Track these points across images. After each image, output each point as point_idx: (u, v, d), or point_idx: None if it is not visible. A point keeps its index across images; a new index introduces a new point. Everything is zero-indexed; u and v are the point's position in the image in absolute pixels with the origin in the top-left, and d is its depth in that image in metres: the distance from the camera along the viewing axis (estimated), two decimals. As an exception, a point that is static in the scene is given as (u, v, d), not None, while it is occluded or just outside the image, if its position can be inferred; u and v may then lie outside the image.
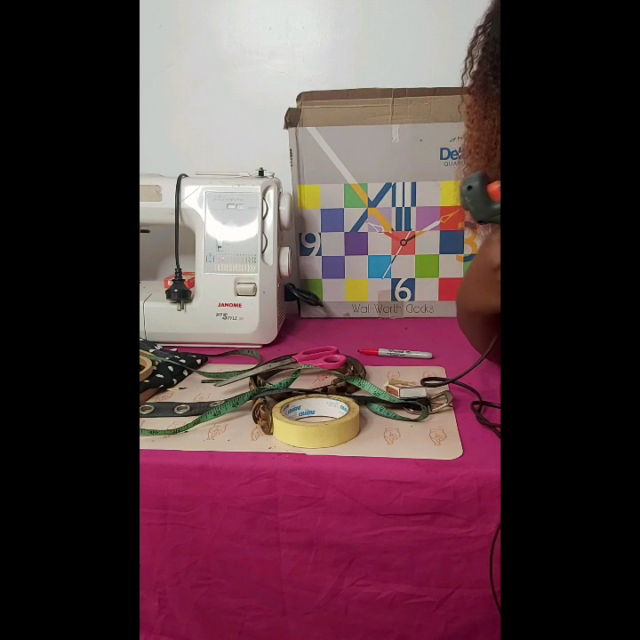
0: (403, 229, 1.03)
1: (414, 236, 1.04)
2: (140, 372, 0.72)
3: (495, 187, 0.61)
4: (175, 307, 0.89)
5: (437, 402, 0.65)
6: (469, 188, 0.62)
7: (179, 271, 0.90)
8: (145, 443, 0.59)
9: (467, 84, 0.79)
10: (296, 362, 0.75)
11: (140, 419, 0.65)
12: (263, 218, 0.88)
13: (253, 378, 0.72)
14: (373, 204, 1.03)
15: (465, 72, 0.80)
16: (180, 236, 0.90)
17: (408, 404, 0.64)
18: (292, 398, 0.65)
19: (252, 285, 0.87)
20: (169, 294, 0.89)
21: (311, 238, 1.06)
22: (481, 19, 0.76)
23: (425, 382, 0.70)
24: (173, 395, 0.73)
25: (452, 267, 1.04)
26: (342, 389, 0.69)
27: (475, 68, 0.78)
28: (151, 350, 0.81)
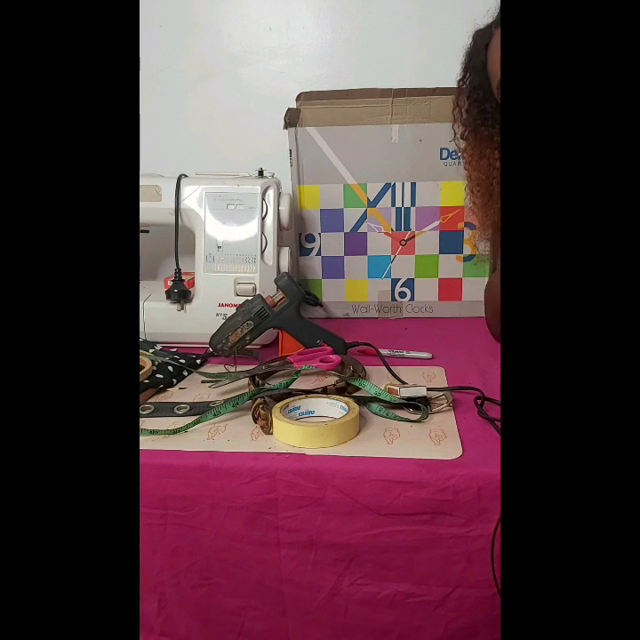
0: (402, 229, 1.03)
1: (414, 236, 1.04)
2: (140, 372, 0.72)
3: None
4: (175, 307, 0.89)
5: (437, 402, 0.65)
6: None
7: (179, 271, 0.90)
8: (145, 443, 0.59)
9: (459, 133, 0.88)
10: (291, 363, 0.75)
11: (140, 419, 0.65)
12: (263, 218, 0.88)
13: (252, 378, 0.72)
14: (373, 204, 1.03)
15: (454, 122, 0.91)
16: (180, 236, 0.90)
17: (408, 404, 0.64)
18: (291, 398, 0.65)
19: (251, 285, 0.87)
20: (169, 294, 0.89)
21: (311, 238, 1.06)
22: (459, 73, 0.86)
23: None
24: (173, 395, 0.73)
25: (452, 267, 1.04)
26: (342, 389, 0.69)
27: (463, 116, 0.89)
28: (151, 350, 0.81)
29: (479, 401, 0.65)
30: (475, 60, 0.82)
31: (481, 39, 0.81)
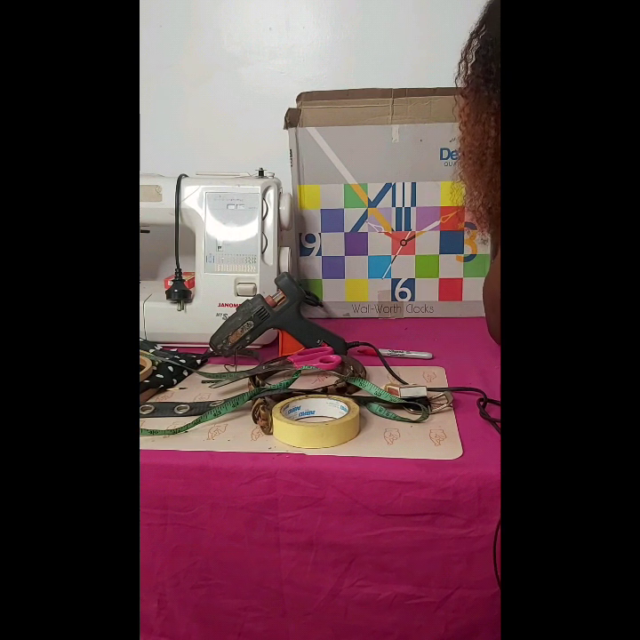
0: (403, 229, 1.03)
1: (414, 236, 1.04)
2: (140, 372, 0.72)
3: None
4: (175, 307, 0.89)
5: (438, 402, 0.65)
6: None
7: (179, 271, 0.90)
8: (145, 443, 0.59)
9: (460, 88, 0.84)
10: (291, 363, 0.75)
11: (140, 419, 0.64)
12: (263, 218, 0.88)
13: (252, 378, 0.72)
14: (373, 204, 1.03)
15: (458, 76, 0.85)
16: (180, 236, 0.90)
17: (408, 404, 0.64)
18: (291, 398, 0.65)
19: (251, 285, 0.87)
20: (169, 294, 0.89)
21: (311, 238, 1.06)
22: (475, 24, 0.81)
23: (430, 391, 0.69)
24: (173, 395, 0.73)
25: (452, 267, 1.04)
26: (342, 390, 0.69)
27: (468, 71, 0.83)
28: (151, 350, 0.81)
29: (481, 402, 0.65)
30: (495, 12, 0.78)
31: None
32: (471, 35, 0.82)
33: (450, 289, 1.05)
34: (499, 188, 0.84)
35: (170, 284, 0.90)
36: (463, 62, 0.84)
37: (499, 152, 0.82)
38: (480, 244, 1.02)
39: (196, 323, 0.88)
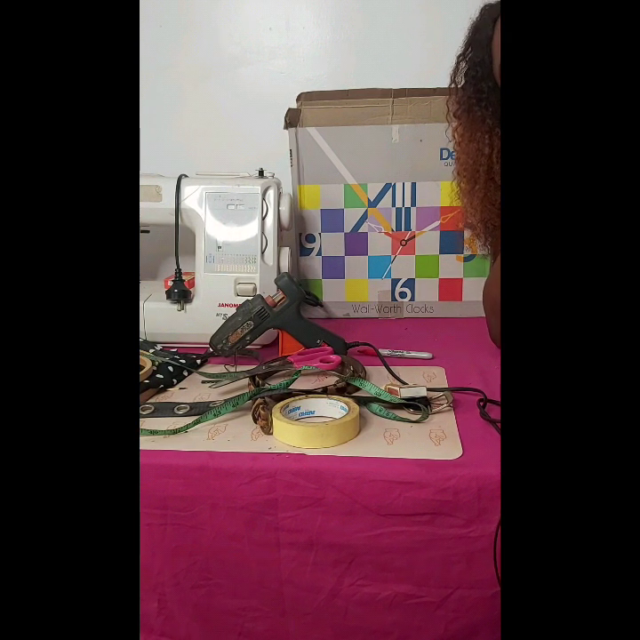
0: (403, 229, 1.03)
1: (414, 236, 1.04)
2: (140, 372, 0.72)
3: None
4: (175, 307, 0.89)
5: (438, 402, 0.65)
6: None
7: (179, 271, 0.90)
8: (145, 443, 0.59)
9: (452, 110, 0.85)
10: (291, 363, 0.75)
11: (140, 419, 0.64)
12: (263, 218, 0.88)
13: (252, 378, 0.72)
14: (373, 204, 1.03)
15: (449, 98, 0.88)
16: (180, 236, 0.90)
17: (408, 404, 0.64)
18: (291, 399, 0.65)
19: (251, 285, 0.87)
20: (169, 294, 0.89)
21: (311, 238, 1.06)
22: (460, 47, 0.83)
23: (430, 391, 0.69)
24: (173, 395, 0.73)
25: (452, 267, 1.04)
26: (342, 390, 0.69)
27: (459, 93, 0.86)
28: (151, 350, 0.81)
29: (482, 403, 0.65)
30: (480, 34, 0.79)
31: (490, 13, 0.78)
32: (458, 58, 0.84)
33: (450, 289, 1.05)
34: (493, 201, 0.87)
35: (170, 284, 0.90)
36: (453, 85, 0.86)
37: (491, 169, 0.84)
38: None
39: (196, 323, 0.88)
